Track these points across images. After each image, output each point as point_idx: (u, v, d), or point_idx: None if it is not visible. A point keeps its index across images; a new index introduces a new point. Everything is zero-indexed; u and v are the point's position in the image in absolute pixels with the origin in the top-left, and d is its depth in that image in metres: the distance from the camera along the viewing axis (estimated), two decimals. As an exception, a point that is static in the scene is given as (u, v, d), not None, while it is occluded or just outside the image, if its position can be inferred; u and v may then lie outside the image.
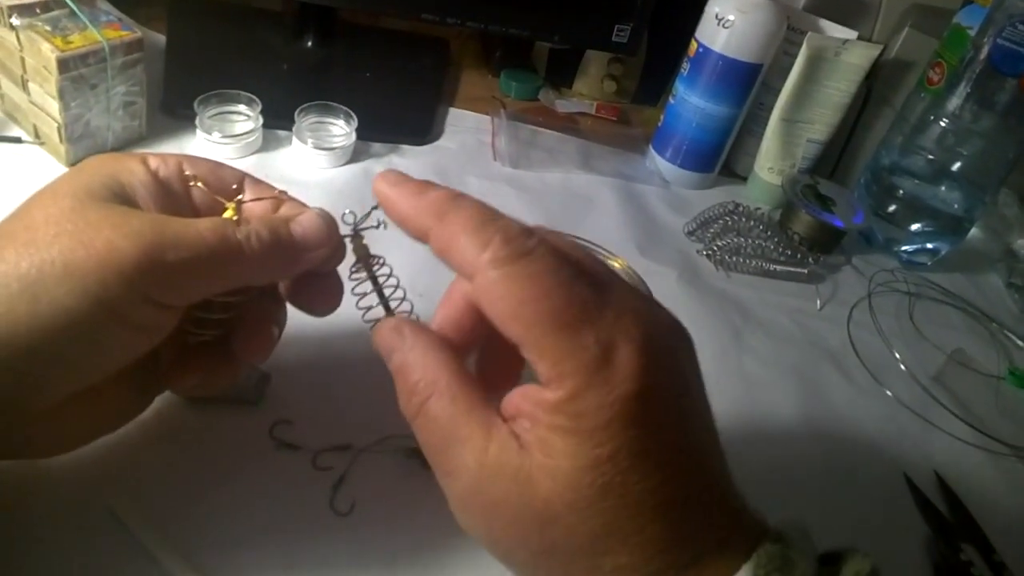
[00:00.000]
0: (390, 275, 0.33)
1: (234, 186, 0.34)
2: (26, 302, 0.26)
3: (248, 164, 0.59)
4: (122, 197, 0.30)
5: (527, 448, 0.26)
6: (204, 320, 0.33)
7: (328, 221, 0.32)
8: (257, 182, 0.35)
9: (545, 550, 0.26)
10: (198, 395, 0.39)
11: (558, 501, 0.25)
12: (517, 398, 0.27)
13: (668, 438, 0.26)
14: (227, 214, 0.33)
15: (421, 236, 0.28)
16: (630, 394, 0.25)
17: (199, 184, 0.33)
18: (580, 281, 0.26)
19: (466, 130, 0.73)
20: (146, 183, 0.31)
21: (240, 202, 0.33)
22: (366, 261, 0.32)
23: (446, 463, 0.27)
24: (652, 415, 0.25)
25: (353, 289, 0.32)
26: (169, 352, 0.34)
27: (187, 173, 0.33)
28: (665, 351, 0.26)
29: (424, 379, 0.28)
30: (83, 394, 0.29)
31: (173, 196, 0.32)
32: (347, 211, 0.33)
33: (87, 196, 0.28)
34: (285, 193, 0.35)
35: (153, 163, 0.32)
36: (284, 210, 0.35)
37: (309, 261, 0.32)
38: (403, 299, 0.33)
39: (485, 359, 0.33)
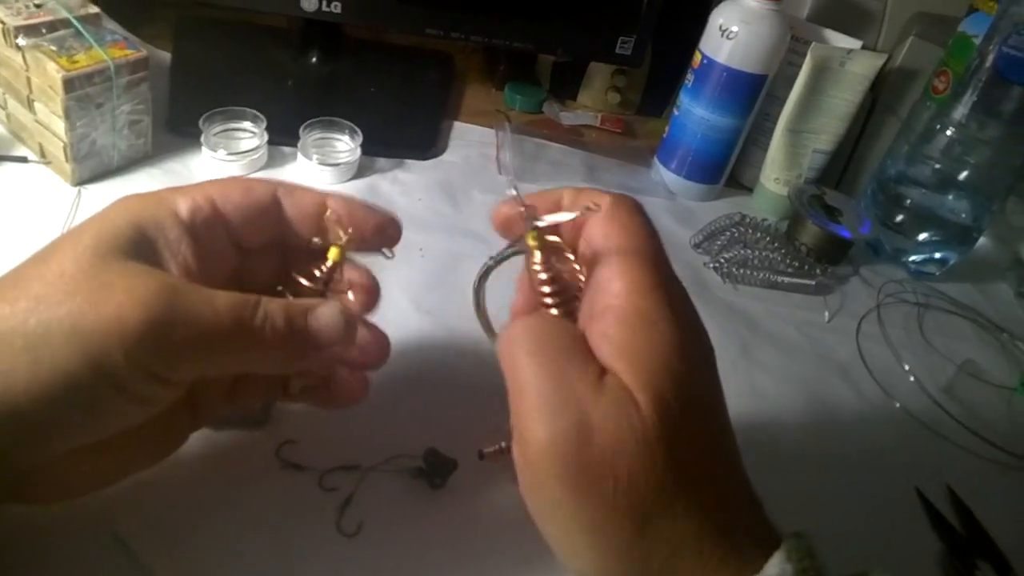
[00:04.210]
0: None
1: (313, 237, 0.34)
2: (28, 361, 0.25)
3: (253, 181, 0.60)
4: (146, 253, 0.29)
5: (594, 399, 0.27)
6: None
7: (349, 319, 0.31)
8: (291, 189, 0.34)
9: (621, 508, 0.26)
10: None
11: (627, 450, 0.26)
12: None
13: (712, 408, 0.29)
14: (332, 254, 0.32)
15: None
16: (677, 342, 0.28)
17: (339, 227, 0.33)
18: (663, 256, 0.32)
19: (471, 144, 0.73)
20: (173, 237, 0.30)
21: (347, 243, 0.33)
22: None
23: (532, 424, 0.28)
24: (696, 376, 0.29)
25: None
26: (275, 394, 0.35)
27: (327, 214, 0.33)
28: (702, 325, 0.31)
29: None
30: (86, 448, 0.28)
31: (204, 243, 0.31)
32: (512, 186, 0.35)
33: (109, 251, 0.28)
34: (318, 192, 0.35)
35: (184, 208, 0.31)
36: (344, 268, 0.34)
37: (319, 359, 0.31)
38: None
39: None
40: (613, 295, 0.28)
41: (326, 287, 0.33)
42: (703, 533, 0.26)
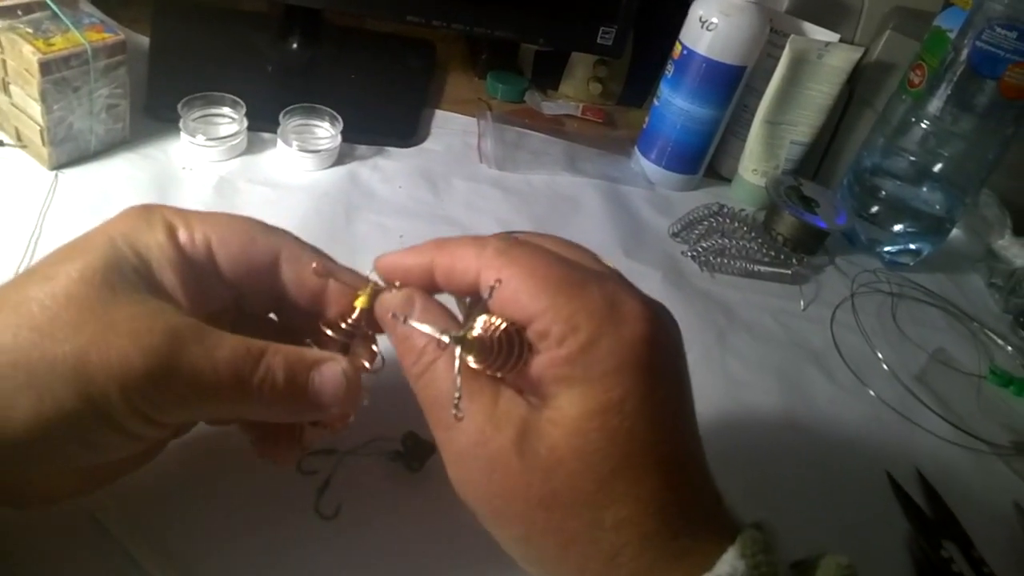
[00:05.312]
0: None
1: (313, 264, 0.32)
2: (30, 398, 0.25)
3: (232, 167, 0.59)
4: (149, 281, 0.29)
5: (533, 407, 0.27)
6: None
7: (351, 380, 0.30)
8: (300, 244, 0.33)
9: (544, 500, 0.26)
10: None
11: (564, 447, 0.26)
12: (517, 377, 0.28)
13: (671, 395, 0.27)
14: (360, 302, 0.31)
15: (425, 274, 0.30)
16: (640, 337, 0.26)
17: (332, 278, 0.32)
18: (574, 261, 0.29)
19: (452, 132, 0.73)
20: (172, 261, 0.30)
21: (377, 291, 0.31)
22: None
23: (450, 416, 0.27)
24: (658, 364, 0.27)
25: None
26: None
27: (314, 266, 0.31)
28: (663, 312, 0.28)
29: (433, 342, 0.28)
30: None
31: (199, 268, 0.31)
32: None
33: (118, 279, 0.27)
34: (322, 257, 0.33)
35: (183, 236, 0.30)
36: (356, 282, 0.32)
37: (318, 416, 0.31)
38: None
39: None
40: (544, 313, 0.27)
41: (350, 338, 0.32)
42: (657, 525, 0.26)
